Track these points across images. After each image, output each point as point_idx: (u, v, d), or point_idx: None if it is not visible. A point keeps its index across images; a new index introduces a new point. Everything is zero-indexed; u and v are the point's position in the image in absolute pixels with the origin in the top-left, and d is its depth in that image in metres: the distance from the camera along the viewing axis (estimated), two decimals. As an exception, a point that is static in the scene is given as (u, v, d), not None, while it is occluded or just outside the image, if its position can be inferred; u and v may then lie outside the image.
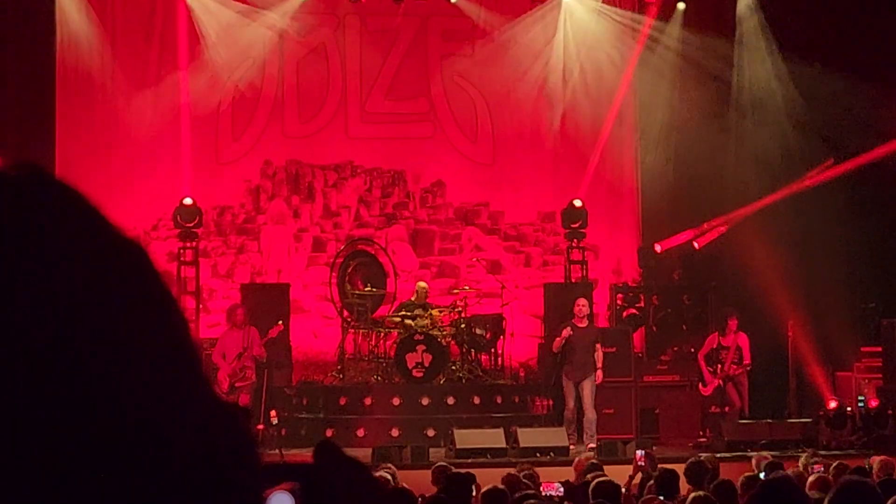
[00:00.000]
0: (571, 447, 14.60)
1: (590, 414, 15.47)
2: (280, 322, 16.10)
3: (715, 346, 16.25)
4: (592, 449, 14.43)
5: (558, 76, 19.64)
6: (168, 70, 18.91)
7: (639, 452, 11.22)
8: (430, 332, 16.12)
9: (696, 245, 18.87)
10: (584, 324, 15.88)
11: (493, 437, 14.63)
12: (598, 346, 15.74)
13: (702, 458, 9.82)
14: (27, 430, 0.84)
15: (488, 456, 14.13)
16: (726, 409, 16.20)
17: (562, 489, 9.03)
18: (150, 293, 0.91)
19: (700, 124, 18.57)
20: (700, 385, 16.39)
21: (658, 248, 18.94)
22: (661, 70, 19.26)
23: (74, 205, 0.91)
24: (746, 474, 8.75)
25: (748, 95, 19.12)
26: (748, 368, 16.17)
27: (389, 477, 9.22)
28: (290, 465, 1.09)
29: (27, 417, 0.84)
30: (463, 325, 16.46)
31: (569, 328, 15.73)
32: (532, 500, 7.29)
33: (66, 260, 0.87)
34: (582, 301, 16.11)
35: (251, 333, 15.50)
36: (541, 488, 8.95)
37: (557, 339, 15.78)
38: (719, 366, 16.19)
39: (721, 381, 16.12)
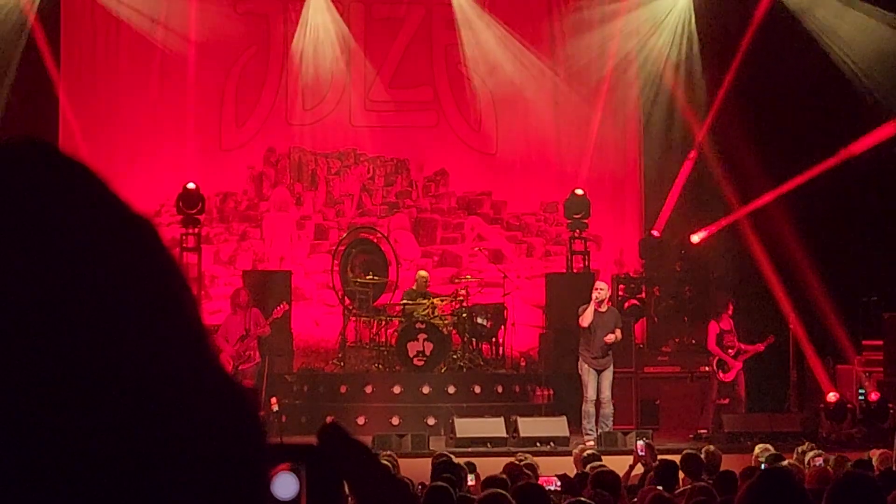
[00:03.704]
0: (590, 443, 14.08)
1: (607, 409, 15.06)
2: (284, 303, 16.07)
3: (718, 332, 16.25)
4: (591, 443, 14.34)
5: (561, 63, 19.65)
6: (173, 56, 18.91)
7: (639, 443, 11.23)
8: (432, 320, 16.12)
9: (694, 239, 18.86)
10: (604, 308, 15.21)
11: (493, 427, 14.63)
12: (617, 330, 15.19)
13: (696, 451, 9.82)
14: (33, 401, 0.84)
15: (488, 445, 14.14)
16: (726, 400, 16.18)
17: (560, 483, 9.03)
18: (159, 267, 0.91)
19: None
20: (720, 373, 16.23)
21: (655, 233, 18.95)
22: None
23: (82, 178, 0.91)
24: (746, 466, 8.76)
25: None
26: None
27: (390, 465, 9.22)
28: (295, 445, 1.09)
29: (32, 389, 0.84)
30: (464, 314, 16.46)
31: (595, 301, 15.02)
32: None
33: (73, 233, 0.87)
34: (599, 284, 15.44)
35: (253, 314, 15.44)
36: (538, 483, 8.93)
37: (586, 311, 15.06)
38: (738, 347, 16.17)
39: (742, 364, 16.14)
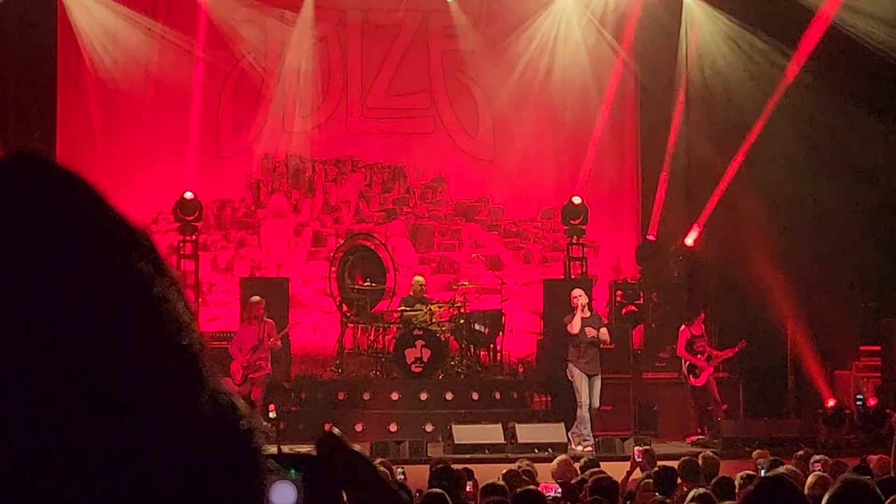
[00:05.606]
0: (588, 450, 14.32)
1: (592, 413, 15.20)
2: (296, 321, 16.40)
3: (689, 337, 16.28)
4: (589, 449, 14.37)
5: (558, 71, 19.67)
6: (170, 64, 18.90)
7: (637, 449, 11.22)
8: (430, 327, 16.12)
9: (688, 242, 18.84)
10: (587, 314, 15.42)
11: (491, 433, 14.63)
12: (602, 329, 15.38)
13: (695, 457, 9.82)
14: (24, 419, 0.83)
15: (486, 451, 14.14)
16: (709, 408, 16.18)
17: (560, 490, 9.02)
18: (155, 279, 0.90)
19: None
20: (691, 377, 16.28)
21: (650, 237, 18.95)
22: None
23: (78, 191, 0.91)
24: (744, 472, 8.74)
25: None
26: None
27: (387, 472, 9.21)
28: (293, 455, 1.09)
29: (22, 405, 0.83)
30: (462, 321, 16.46)
31: (578, 311, 15.29)
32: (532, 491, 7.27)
33: (69, 246, 0.87)
34: (576, 292, 15.66)
35: (267, 326, 15.55)
36: (539, 488, 8.93)
37: (573, 319, 15.31)
38: (710, 352, 16.20)
39: (713, 368, 16.19)
